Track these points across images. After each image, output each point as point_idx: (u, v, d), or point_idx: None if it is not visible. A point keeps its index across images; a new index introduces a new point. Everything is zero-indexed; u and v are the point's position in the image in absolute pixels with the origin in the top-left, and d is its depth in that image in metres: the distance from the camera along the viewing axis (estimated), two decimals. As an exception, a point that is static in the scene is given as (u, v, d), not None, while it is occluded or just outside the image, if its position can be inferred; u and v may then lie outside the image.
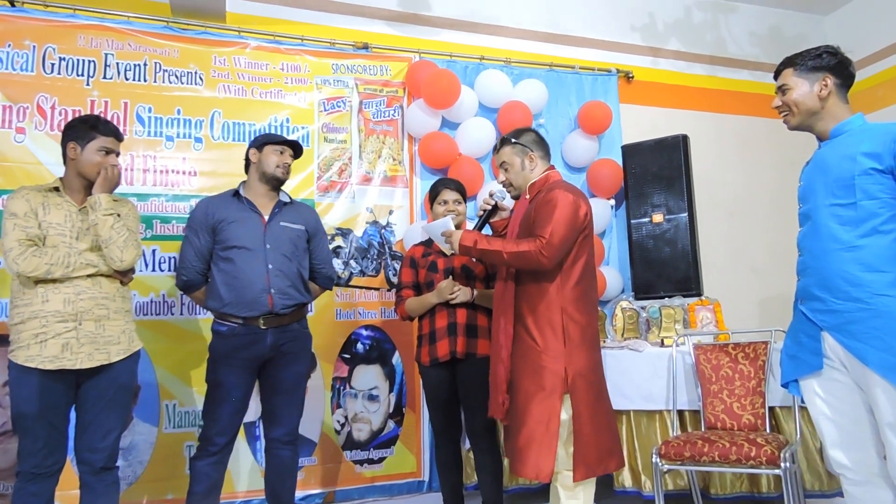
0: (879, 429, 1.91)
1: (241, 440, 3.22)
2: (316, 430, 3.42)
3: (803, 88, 2.09)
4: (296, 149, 2.83)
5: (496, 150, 2.61)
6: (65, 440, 2.36)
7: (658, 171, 3.93)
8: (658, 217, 3.92)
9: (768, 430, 2.87)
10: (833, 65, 2.08)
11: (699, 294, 3.77)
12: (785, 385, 2.18)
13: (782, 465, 2.54)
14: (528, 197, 2.50)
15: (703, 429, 3.04)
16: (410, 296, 2.97)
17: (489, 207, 2.64)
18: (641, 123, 4.31)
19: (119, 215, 2.40)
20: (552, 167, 2.57)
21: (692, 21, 4.77)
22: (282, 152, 2.76)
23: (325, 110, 3.70)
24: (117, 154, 2.49)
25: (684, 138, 3.89)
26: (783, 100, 2.14)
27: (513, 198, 2.60)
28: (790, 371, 2.13)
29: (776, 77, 2.19)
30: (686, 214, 3.85)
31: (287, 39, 3.69)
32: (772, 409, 2.97)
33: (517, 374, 2.37)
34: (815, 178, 2.08)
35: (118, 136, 2.50)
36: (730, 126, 4.72)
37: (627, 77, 4.45)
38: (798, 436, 2.87)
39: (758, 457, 2.59)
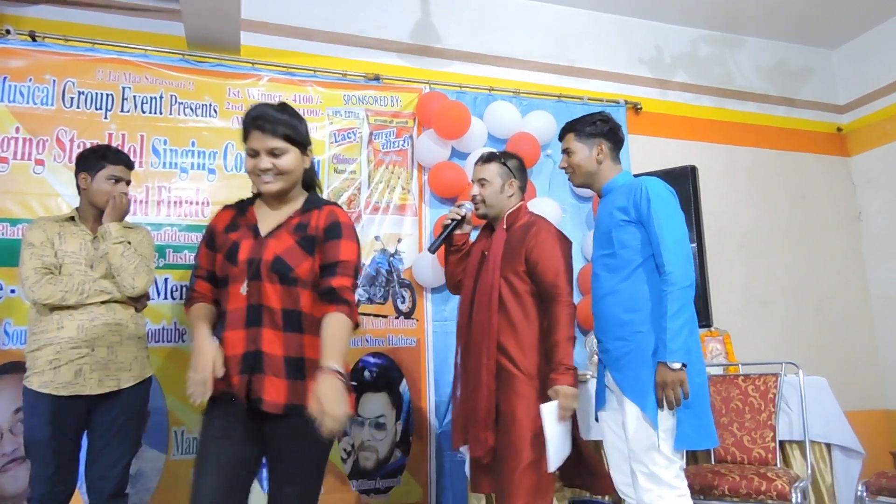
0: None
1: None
2: (323, 459, 3.41)
3: (583, 153, 2.32)
4: None
5: (482, 162, 2.58)
6: (75, 467, 2.38)
7: (666, 201, 3.94)
8: (666, 247, 3.92)
9: (779, 465, 2.84)
10: (606, 131, 2.32)
11: (709, 325, 3.75)
12: (597, 419, 2.40)
13: (793, 500, 2.51)
14: (504, 227, 2.48)
15: (713, 462, 3.01)
16: (204, 293, 1.92)
17: (458, 218, 2.57)
18: (650, 154, 4.33)
19: (129, 243, 2.45)
20: (525, 200, 2.58)
21: (699, 54, 4.82)
22: None
23: (336, 141, 3.76)
24: (128, 182, 2.53)
25: (693, 169, 3.90)
26: (568, 161, 2.36)
27: (480, 215, 2.56)
28: (596, 406, 2.37)
29: (561, 139, 2.40)
30: (695, 245, 3.84)
31: (300, 71, 3.77)
32: (782, 442, 2.94)
33: (508, 407, 2.31)
34: (595, 232, 2.34)
35: (128, 165, 2.55)
36: (739, 158, 4.74)
37: (636, 108, 4.49)
38: (809, 471, 2.83)
39: (768, 491, 2.56)
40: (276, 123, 1.83)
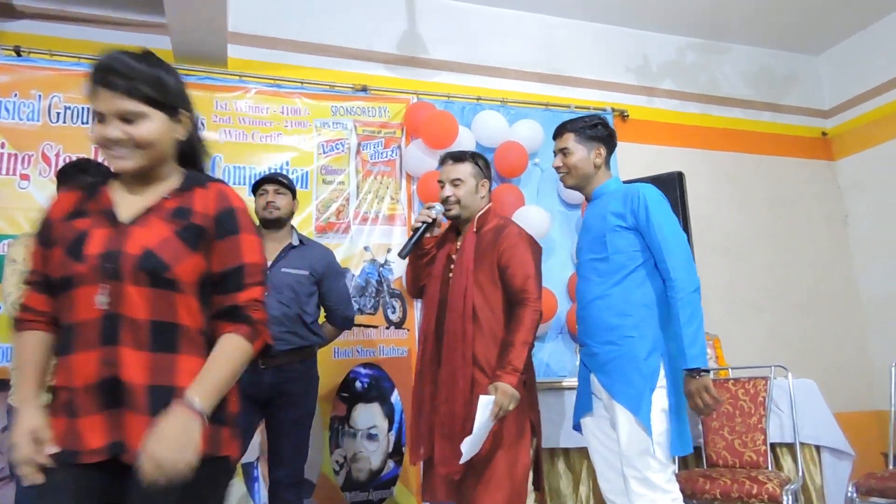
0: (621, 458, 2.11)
1: (237, 481, 3.20)
2: (314, 471, 3.40)
3: (581, 154, 2.29)
4: (279, 182, 2.80)
5: (453, 161, 2.49)
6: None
7: (654, 207, 3.96)
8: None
9: (770, 467, 2.85)
10: (605, 136, 2.31)
11: (698, 330, 3.76)
12: (576, 427, 2.35)
13: (784, 502, 2.52)
14: (474, 230, 2.43)
15: (704, 466, 3.01)
16: (36, 308, 1.42)
17: (429, 220, 2.47)
18: (637, 161, 4.35)
19: None
20: (491, 202, 2.54)
21: (685, 62, 4.86)
22: (263, 193, 2.77)
23: (324, 152, 3.77)
24: None
25: (680, 175, 3.92)
26: (563, 161, 2.31)
27: (452, 217, 2.48)
28: (576, 413, 2.32)
29: (556, 138, 2.35)
30: (683, 250, 3.86)
31: (287, 83, 3.77)
32: (773, 445, 2.95)
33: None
34: (583, 236, 2.32)
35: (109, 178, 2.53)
36: (724, 163, 4.77)
37: (622, 116, 4.52)
38: (800, 473, 2.84)
39: (760, 494, 2.57)
40: (131, 79, 1.32)
